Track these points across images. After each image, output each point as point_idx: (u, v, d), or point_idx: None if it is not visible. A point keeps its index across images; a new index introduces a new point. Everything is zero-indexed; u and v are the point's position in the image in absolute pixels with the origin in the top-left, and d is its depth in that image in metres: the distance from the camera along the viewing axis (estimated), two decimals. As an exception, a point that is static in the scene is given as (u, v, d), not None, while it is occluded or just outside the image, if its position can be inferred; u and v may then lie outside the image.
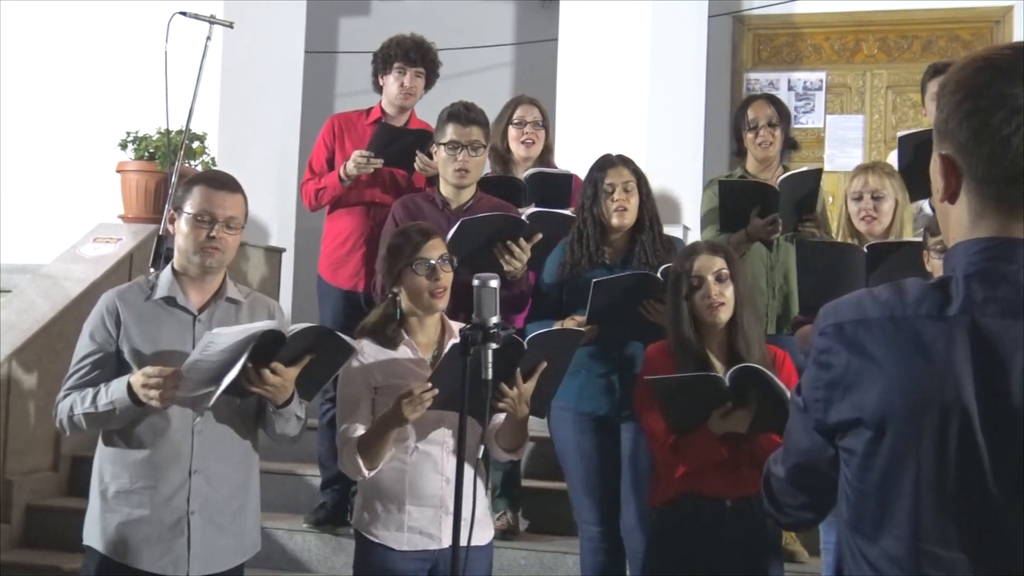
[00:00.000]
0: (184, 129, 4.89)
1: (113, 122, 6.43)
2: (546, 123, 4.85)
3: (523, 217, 3.98)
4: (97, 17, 7.10)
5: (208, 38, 4.85)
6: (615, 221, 3.93)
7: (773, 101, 4.81)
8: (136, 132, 6.22)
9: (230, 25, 5.05)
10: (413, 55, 4.88)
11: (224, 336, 2.83)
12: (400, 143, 4.66)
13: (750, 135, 4.72)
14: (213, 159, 6.23)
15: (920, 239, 3.73)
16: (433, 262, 3.23)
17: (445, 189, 4.18)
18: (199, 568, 3.08)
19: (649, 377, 3.27)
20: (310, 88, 7.60)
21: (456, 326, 3.21)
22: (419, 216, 4.15)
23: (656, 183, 4.10)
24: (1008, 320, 1.39)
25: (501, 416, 3.19)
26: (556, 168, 4.85)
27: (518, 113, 4.78)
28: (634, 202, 3.94)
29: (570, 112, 6.45)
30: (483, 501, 3.32)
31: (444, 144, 4.11)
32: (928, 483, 1.42)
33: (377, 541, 3.21)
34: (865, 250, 3.81)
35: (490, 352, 2.71)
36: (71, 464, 5.46)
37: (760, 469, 3.21)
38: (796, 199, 4.38)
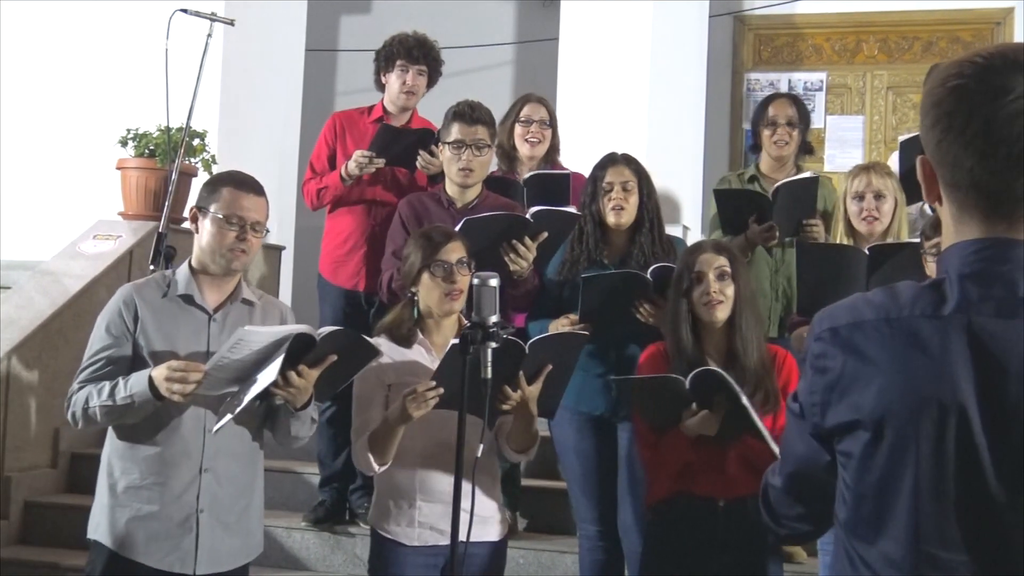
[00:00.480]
0: (184, 126, 4.89)
1: (113, 119, 6.43)
2: (553, 123, 4.84)
3: (528, 215, 3.98)
4: (98, 14, 7.10)
5: (209, 35, 4.84)
6: (611, 220, 3.92)
7: (795, 102, 4.82)
8: (136, 129, 6.22)
9: (231, 22, 5.04)
10: (416, 53, 4.88)
11: (256, 336, 2.84)
12: (402, 143, 4.66)
13: (767, 131, 4.73)
14: (213, 156, 6.23)
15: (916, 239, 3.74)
16: (451, 264, 3.25)
17: (450, 188, 4.18)
18: (205, 567, 3.09)
19: (614, 377, 3.29)
20: (310, 86, 7.60)
21: None
22: (424, 215, 4.14)
23: (656, 183, 4.08)
24: (1004, 319, 1.40)
25: (509, 417, 3.22)
26: (564, 168, 4.84)
27: (525, 111, 4.78)
28: (633, 201, 3.93)
29: (570, 111, 6.44)
30: (493, 498, 3.35)
31: (449, 143, 4.11)
32: (927, 484, 1.42)
33: (389, 537, 3.25)
34: (867, 252, 3.81)
35: (489, 351, 2.72)
36: (70, 461, 5.46)
37: (751, 469, 3.25)
38: (794, 206, 4.37)
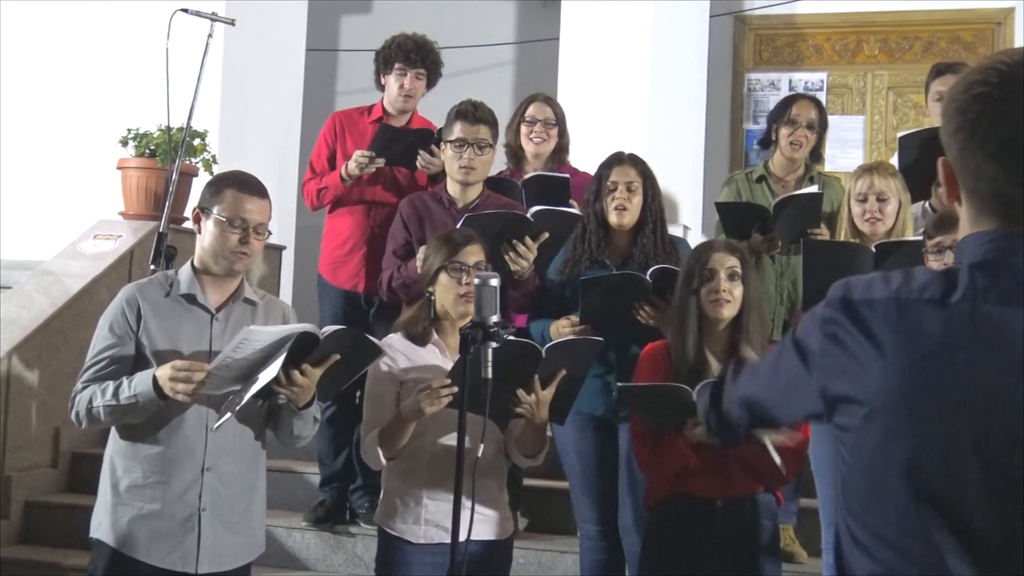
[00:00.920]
0: (185, 126, 4.89)
1: (114, 119, 6.43)
2: (559, 122, 4.83)
3: (529, 215, 3.98)
4: (99, 14, 7.11)
5: (209, 35, 4.84)
6: (613, 219, 3.92)
7: (818, 106, 4.83)
8: (137, 129, 6.22)
9: (231, 22, 5.05)
10: (414, 56, 4.87)
11: (260, 335, 2.85)
12: (401, 143, 4.66)
13: (785, 130, 4.72)
14: (214, 156, 6.23)
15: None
16: (468, 266, 3.26)
17: (452, 188, 4.19)
18: (208, 565, 3.09)
19: (621, 384, 3.28)
20: (311, 86, 7.61)
21: None
22: (425, 215, 4.15)
23: (656, 181, 4.08)
24: (1006, 307, 1.42)
25: (521, 421, 3.24)
26: (572, 168, 4.83)
27: (530, 111, 4.78)
28: (636, 202, 3.93)
29: (571, 111, 6.39)
30: (500, 497, 3.37)
31: (451, 142, 4.12)
32: (920, 465, 1.44)
33: (395, 534, 3.26)
34: (873, 249, 3.82)
35: (490, 351, 2.72)
36: (70, 460, 5.46)
37: (749, 470, 3.25)
38: (798, 217, 4.37)
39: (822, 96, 7.65)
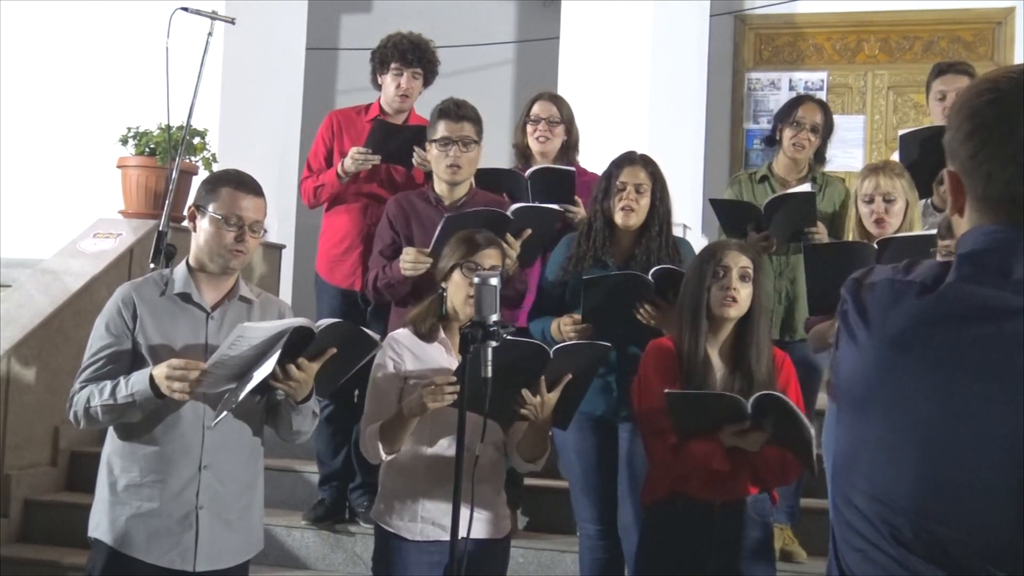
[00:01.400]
0: (185, 125, 4.89)
1: (114, 117, 6.43)
2: (565, 119, 4.81)
3: (508, 212, 3.99)
4: (99, 13, 7.11)
5: (209, 34, 4.84)
6: (619, 220, 3.91)
7: (824, 109, 4.83)
8: (137, 128, 6.22)
9: (232, 21, 5.04)
10: (410, 56, 4.88)
11: (255, 331, 2.85)
12: (397, 139, 4.66)
13: (789, 131, 4.73)
14: (214, 155, 6.23)
15: (930, 231, 3.74)
16: (484, 269, 3.23)
17: (439, 186, 4.19)
18: (205, 563, 3.09)
19: (669, 391, 3.22)
20: (311, 85, 7.61)
21: None
22: (412, 214, 4.15)
23: (665, 183, 4.08)
24: (987, 289, 1.44)
25: (523, 424, 3.22)
26: (580, 168, 4.83)
27: (535, 110, 4.77)
28: (644, 203, 3.91)
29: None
30: (498, 496, 3.36)
31: (436, 141, 4.13)
32: (891, 438, 1.46)
33: (392, 531, 3.26)
34: (875, 246, 3.82)
35: (490, 350, 2.72)
36: (69, 459, 5.46)
37: (747, 471, 3.25)
38: (793, 216, 4.37)
39: (822, 96, 7.65)
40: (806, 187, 4.54)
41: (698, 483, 3.28)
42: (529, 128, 4.74)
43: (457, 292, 3.28)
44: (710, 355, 3.36)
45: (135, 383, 2.96)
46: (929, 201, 4.50)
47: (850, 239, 4.21)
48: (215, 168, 5.98)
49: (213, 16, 4.87)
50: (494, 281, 2.77)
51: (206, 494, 3.09)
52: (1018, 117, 1.45)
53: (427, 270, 3.90)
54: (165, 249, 4.24)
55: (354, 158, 4.68)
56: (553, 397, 3.15)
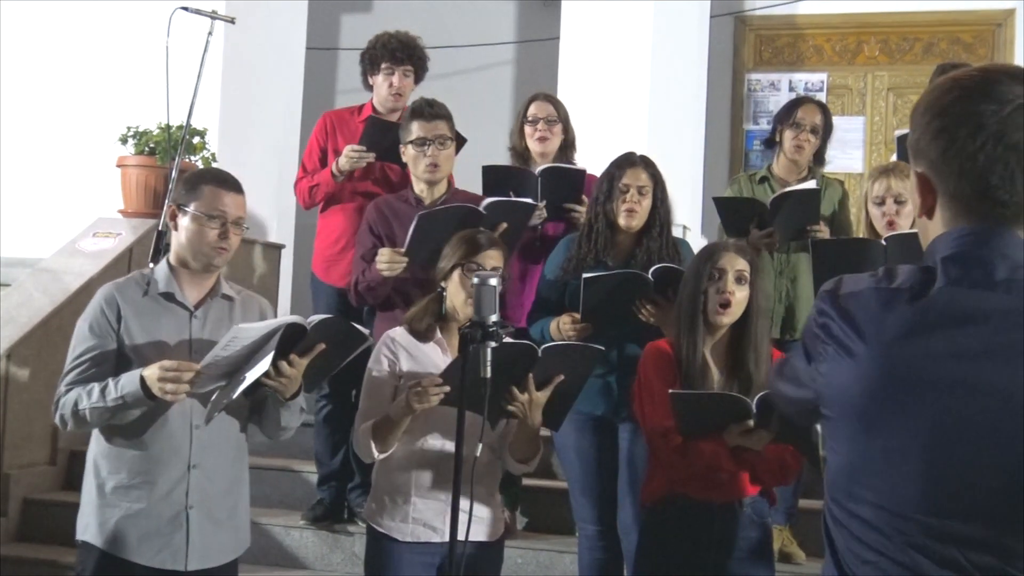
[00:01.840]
0: (185, 124, 4.89)
1: (114, 117, 6.43)
2: (562, 119, 4.82)
3: (482, 207, 4.00)
4: (99, 12, 7.10)
5: (210, 33, 4.84)
6: (622, 221, 3.91)
7: (824, 111, 4.85)
8: (137, 127, 6.22)
9: (232, 21, 5.05)
10: (399, 55, 4.91)
11: (248, 332, 2.84)
12: (391, 136, 4.65)
13: (789, 132, 4.75)
14: (213, 155, 6.23)
15: None
16: (484, 269, 3.21)
17: (418, 186, 4.22)
18: (197, 562, 3.09)
19: (673, 391, 3.21)
20: (311, 84, 7.60)
21: None
22: (392, 217, 4.16)
23: (665, 185, 4.08)
24: (979, 292, 1.46)
25: (513, 425, 3.20)
26: (574, 163, 4.84)
27: (531, 110, 4.77)
28: (646, 205, 3.92)
29: (571, 111, 6.39)
30: (492, 498, 3.33)
31: (411, 142, 4.15)
32: (895, 448, 1.47)
33: (383, 531, 3.25)
34: (884, 243, 3.82)
35: (489, 350, 2.72)
36: (68, 458, 5.46)
37: (757, 481, 3.25)
38: (797, 213, 4.38)
39: (822, 97, 7.65)
40: (811, 183, 4.55)
41: (698, 484, 3.27)
42: (527, 129, 4.74)
43: (457, 293, 3.26)
44: (707, 358, 3.34)
45: (125, 385, 2.94)
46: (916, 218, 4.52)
47: None
48: (215, 167, 5.98)
49: (213, 16, 4.87)
50: (493, 282, 2.76)
51: (196, 494, 3.08)
52: (984, 112, 1.47)
53: (404, 270, 3.94)
54: (164, 248, 4.23)
55: (349, 156, 4.69)
56: (542, 396, 3.12)
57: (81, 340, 3.09)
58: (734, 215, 4.49)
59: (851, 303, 1.53)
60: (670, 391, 3.19)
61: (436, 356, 3.27)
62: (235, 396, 2.93)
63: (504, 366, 2.87)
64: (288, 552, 5.00)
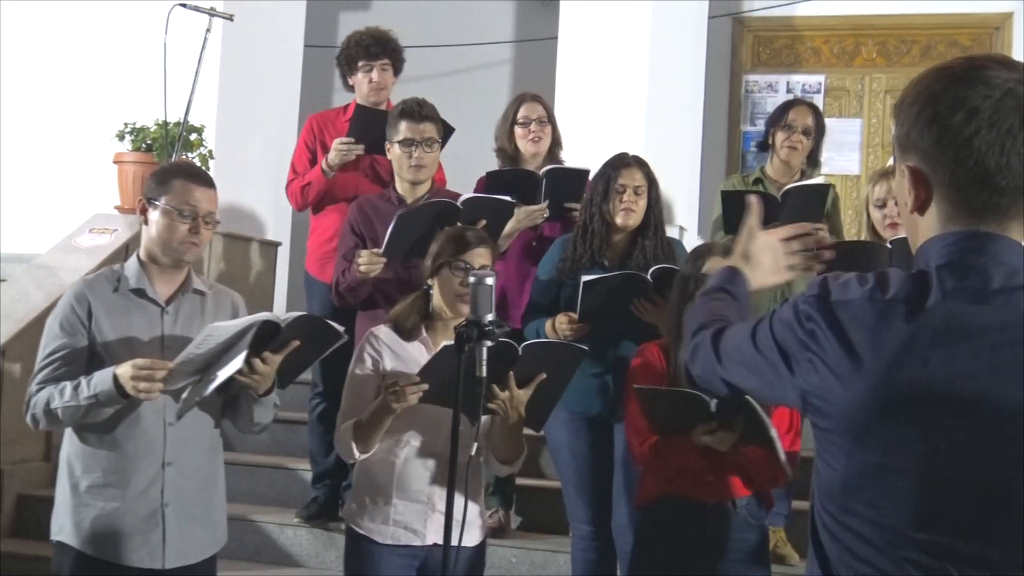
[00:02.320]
0: (182, 121, 4.89)
1: (111, 113, 6.42)
2: (551, 118, 4.84)
3: (459, 203, 4.02)
4: (97, 8, 7.09)
5: (208, 30, 4.85)
6: (619, 221, 3.92)
7: (816, 112, 4.87)
8: (134, 123, 6.21)
9: (230, 18, 5.05)
10: (374, 50, 4.95)
11: (222, 330, 2.83)
12: (378, 127, 4.65)
13: (781, 134, 4.76)
14: (210, 151, 6.22)
15: None
16: (472, 267, 3.18)
17: (401, 186, 4.23)
18: (174, 560, 3.07)
19: (637, 386, 3.25)
20: (309, 82, 7.59)
21: None
22: (375, 217, 4.16)
23: (659, 185, 4.09)
24: (976, 307, 1.44)
25: (496, 422, 3.16)
26: (562, 162, 4.85)
27: (522, 112, 4.78)
28: (642, 204, 3.94)
29: (569, 111, 6.44)
30: (477, 502, 3.28)
31: (399, 142, 4.15)
32: (891, 465, 1.46)
33: (363, 533, 3.20)
34: (889, 246, 3.83)
35: (485, 349, 2.70)
36: (63, 454, 5.45)
37: (744, 476, 3.25)
38: (801, 210, 4.39)
39: (820, 98, 7.66)
40: (820, 179, 4.57)
41: (688, 484, 3.28)
42: (519, 131, 4.74)
43: (444, 291, 3.23)
44: None
45: (98, 383, 2.91)
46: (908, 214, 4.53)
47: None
48: (212, 164, 5.98)
49: (212, 13, 4.88)
50: (490, 281, 2.73)
51: (171, 491, 3.06)
52: (975, 96, 1.46)
53: (383, 270, 3.96)
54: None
55: (338, 149, 4.72)
56: (524, 395, 3.08)
57: (52, 338, 3.06)
58: (739, 210, 4.49)
59: (843, 314, 1.50)
60: (635, 386, 3.22)
61: (420, 355, 3.21)
62: (207, 393, 2.91)
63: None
64: (282, 550, 5.00)
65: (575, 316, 3.80)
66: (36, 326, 5.37)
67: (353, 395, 3.23)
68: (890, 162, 4.90)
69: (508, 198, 4.18)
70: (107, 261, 5.75)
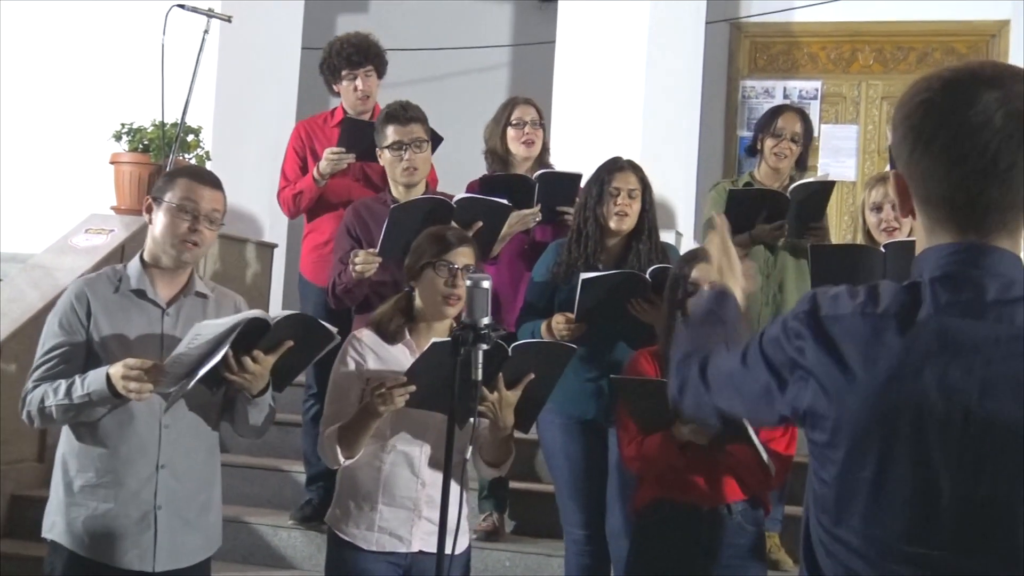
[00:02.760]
0: (179, 122, 4.89)
1: (108, 113, 6.41)
2: (543, 122, 4.86)
3: (453, 203, 4.03)
4: (96, 8, 7.08)
5: (206, 32, 4.85)
6: (613, 224, 3.93)
7: (804, 118, 4.87)
8: (131, 124, 6.20)
9: (228, 19, 5.06)
10: (356, 59, 4.98)
11: (210, 328, 2.81)
12: (368, 136, 4.66)
13: (770, 141, 4.77)
14: (207, 153, 6.22)
15: None
16: (456, 267, 3.16)
17: (395, 189, 4.24)
18: (165, 563, 3.05)
19: (613, 376, 3.27)
20: (306, 84, 7.59)
21: None
22: (370, 220, 4.16)
23: (652, 189, 4.10)
24: (969, 321, 1.44)
25: (484, 425, 3.09)
26: (551, 166, 4.86)
27: (516, 114, 4.78)
28: (636, 208, 3.95)
29: (566, 115, 6.45)
30: (463, 508, 3.24)
31: (388, 146, 4.16)
32: (885, 478, 1.45)
33: (347, 539, 3.16)
34: (883, 250, 3.84)
35: (480, 353, 2.67)
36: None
37: (735, 477, 3.26)
38: (804, 208, 4.41)
39: (816, 104, 7.67)
40: (827, 175, 4.59)
41: (683, 488, 3.29)
42: (512, 132, 4.75)
43: (428, 292, 3.18)
44: None
45: (91, 382, 2.90)
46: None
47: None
48: (209, 166, 5.98)
49: (210, 14, 4.88)
50: (486, 284, 2.70)
51: (164, 494, 3.04)
52: (946, 116, 1.46)
53: (379, 272, 3.97)
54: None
55: (329, 159, 4.73)
56: (513, 396, 3.04)
57: (50, 336, 3.05)
58: (744, 209, 4.49)
59: (835, 329, 1.49)
60: (611, 376, 3.22)
61: (404, 358, 3.17)
62: (191, 386, 2.87)
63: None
64: (276, 552, 4.99)
65: (572, 316, 3.80)
66: (32, 326, 5.36)
67: (336, 399, 3.19)
68: (887, 167, 4.92)
69: (504, 200, 4.18)
70: (103, 262, 5.75)
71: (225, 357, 2.83)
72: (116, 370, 2.86)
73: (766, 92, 7.79)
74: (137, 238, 5.62)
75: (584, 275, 3.77)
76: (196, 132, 6.14)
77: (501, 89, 8.30)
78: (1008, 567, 1.41)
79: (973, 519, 1.42)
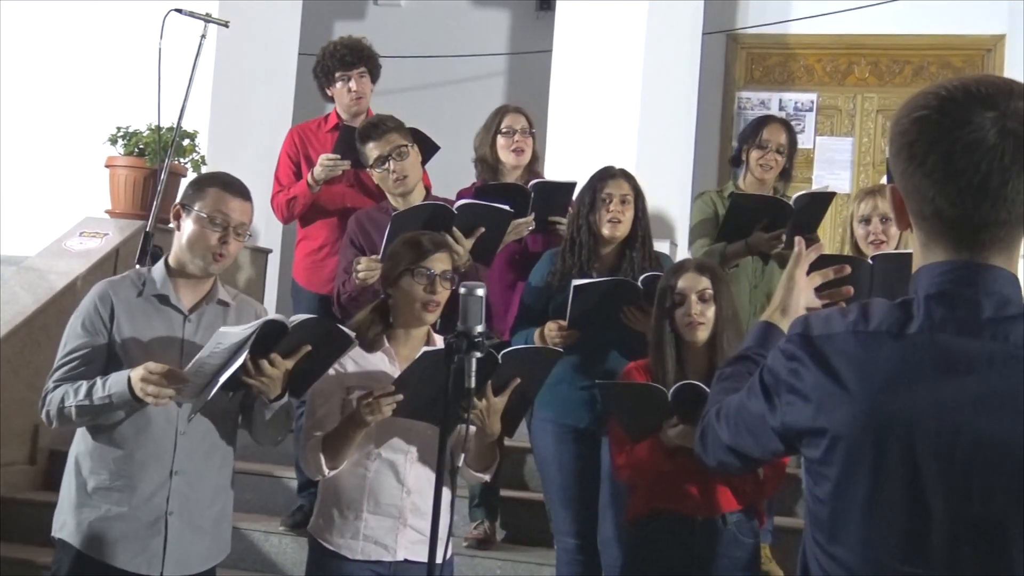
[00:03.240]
0: (175, 126, 4.89)
1: (104, 117, 6.41)
2: (533, 130, 4.86)
3: (455, 208, 4.03)
4: (92, 13, 7.08)
5: (203, 36, 4.84)
6: (606, 232, 3.94)
7: (788, 129, 4.86)
8: (127, 128, 6.20)
9: (225, 24, 5.05)
10: (349, 59, 5.01)
11: (230, 335, 2.81)
12: None
13: (755, 152, 4.76)
14: (203, 157, 6.22)
15: None
16: (435, 274, 3.16)
17: (394, 202, 4.25)
18: (173, 568, 3.06)
19: (599, 381, 3.28)
20: (302, 90, 7.59)
21: (442, 341, 3.12)
22: (373, 230, 4.17)
23: (645, 198, 4.11)
24: (964, 338, 1.44)
25: (470, 432, 3.06)
26: (541, 175, 4.86)
27: (506, 122, 4.78)
28: (629, 215, 3.96)
29: (561, 124, 6.46)
30: (453, 516, 3.21)
31: (372, 165, 4.22)
32: (879, 497, 1.46)
33: (331, 548, 3.14)
34: (871, 261, 3.85)
35: (474, 361, 2.66)
36: (48, 458, 5.43)
37: (728, 486, 3.25)
38: (802, 218, 4.41)
39: (811, 116, 7.69)
40: (827, 186, 4.59)
41: (676, 498, 3.29)
42: (503, 140, 4.75)
43: (406, 299, 3.17)
44: (688, 374, 3.36)
45: (112, 385, 2.91)
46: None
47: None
48: (204, 171, 5.97)
49: (207, 18, 4.87)
50: (480, 292, 2.69)
51: (176, 500, 3.05)
52: (940, 134, 1.46)
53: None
54: (151, 251, 4.24)
55: (324, 165, 4.74)
56: (500, 402, 3.04)
57: (73, 337, 3.06)
58: (743, 216, 4.48)
59: (827, 348, 1.50)
60: (596, 381, 3.23)
61: (384, 366, 3.16)
62: (212, 395, 2.88)
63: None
64: (267, 558, 4.98)
65: (564, 323, 3.80)
66: (24, 329, 5.37)
67: (317, 409, 3.17)
68: (882, 180, 4.92)
69: (506, 207, 4.18)
70: (97, 265, 5.75)
71: (243, 361, 2.84)
72: (137, 373, 2.87)
73: (762, 104, 7.80)
74: (131, 242, 5.62)
75: (576, 281, 3.78)
76: (192, 136, 6.14)
77: (498, 98, 8.30)
78: None
79: (967, 539, 1.42)
